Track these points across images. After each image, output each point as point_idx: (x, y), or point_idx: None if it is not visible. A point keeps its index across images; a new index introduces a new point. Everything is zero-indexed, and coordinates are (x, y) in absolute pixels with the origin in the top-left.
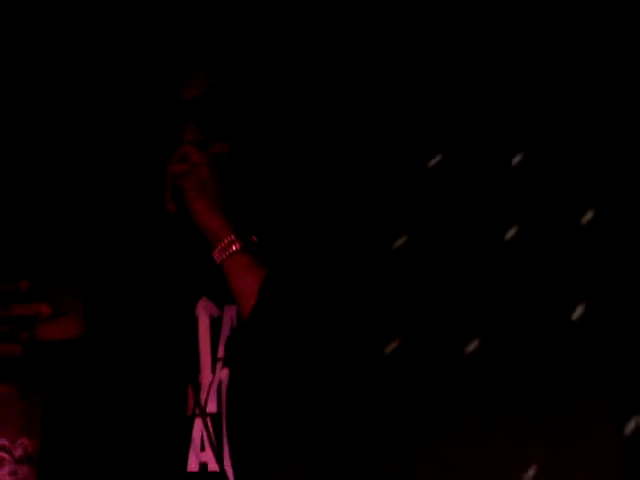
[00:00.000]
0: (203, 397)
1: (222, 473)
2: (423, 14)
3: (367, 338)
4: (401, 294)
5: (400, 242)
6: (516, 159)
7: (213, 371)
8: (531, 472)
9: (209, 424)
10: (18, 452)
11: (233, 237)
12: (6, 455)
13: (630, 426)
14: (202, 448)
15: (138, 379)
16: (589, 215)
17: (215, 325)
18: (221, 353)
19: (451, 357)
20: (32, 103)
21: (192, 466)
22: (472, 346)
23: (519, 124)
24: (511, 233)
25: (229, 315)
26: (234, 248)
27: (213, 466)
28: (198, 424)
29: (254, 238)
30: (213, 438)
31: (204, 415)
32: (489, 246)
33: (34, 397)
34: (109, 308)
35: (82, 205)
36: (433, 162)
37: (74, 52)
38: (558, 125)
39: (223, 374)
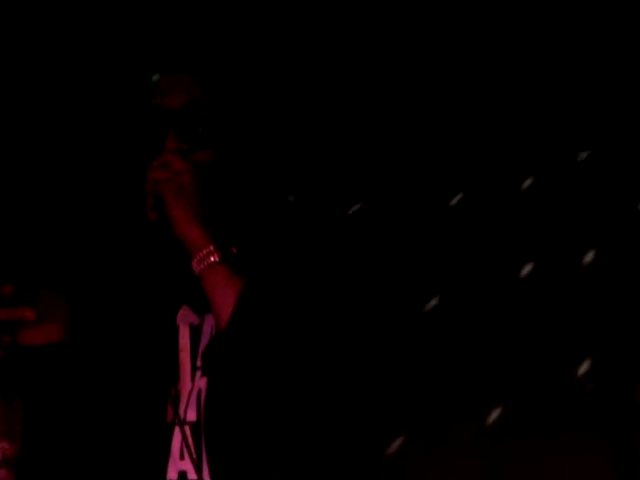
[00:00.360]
0: (183, 406)
1: None
2: (423, 14)
3: (344, 349)
4: (380, 305)
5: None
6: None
7: (192, 380)
8: (494, 415)
9: (188, 433)
10: None
11: (212, 248)
12: None
13: (584, 367)
14: (181, 457)
15: (118, 386)
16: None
17: (195, 334)
18: (200, 362)
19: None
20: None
21: (171, 475)
22: (432, 304)
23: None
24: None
25: (209, 324)
26: (212, 259)
27: (192, 475)
28: (177, 433)
29: (233, 249)
30: (192, 447)
31: (183, 424)
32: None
33: (14, 401)
34: (92, 314)
35: (66, 211)
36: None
37: (58, 62)
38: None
39: (202, 383)
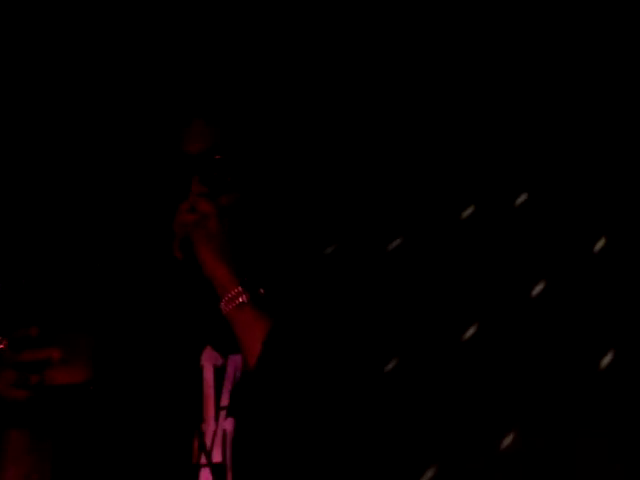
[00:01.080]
0: (208, 446)
1: None
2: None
3: (371, 387)
4: (404, 346)
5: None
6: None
7: (216, 420)
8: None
9: (214, 473)
10: None
11: (241, 289)
12: None
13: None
14: None
15: (145, 427)
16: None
17: (219, 374)
18: (224, 402)
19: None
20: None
21: None
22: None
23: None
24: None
25: (232, 365)
26: (241, 299)
27: None
28: (203, 473)
29: (261, 290)
30: None
31: (209, 464)
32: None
33: (44, 441)
34: (118, 354)
35: (93, 253)
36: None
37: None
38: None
39: (226, 423)
